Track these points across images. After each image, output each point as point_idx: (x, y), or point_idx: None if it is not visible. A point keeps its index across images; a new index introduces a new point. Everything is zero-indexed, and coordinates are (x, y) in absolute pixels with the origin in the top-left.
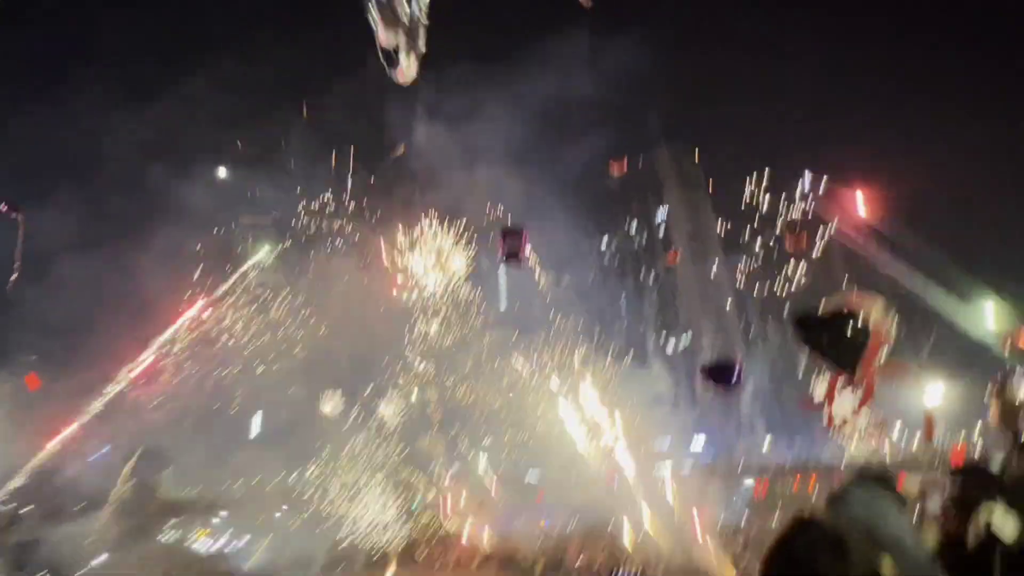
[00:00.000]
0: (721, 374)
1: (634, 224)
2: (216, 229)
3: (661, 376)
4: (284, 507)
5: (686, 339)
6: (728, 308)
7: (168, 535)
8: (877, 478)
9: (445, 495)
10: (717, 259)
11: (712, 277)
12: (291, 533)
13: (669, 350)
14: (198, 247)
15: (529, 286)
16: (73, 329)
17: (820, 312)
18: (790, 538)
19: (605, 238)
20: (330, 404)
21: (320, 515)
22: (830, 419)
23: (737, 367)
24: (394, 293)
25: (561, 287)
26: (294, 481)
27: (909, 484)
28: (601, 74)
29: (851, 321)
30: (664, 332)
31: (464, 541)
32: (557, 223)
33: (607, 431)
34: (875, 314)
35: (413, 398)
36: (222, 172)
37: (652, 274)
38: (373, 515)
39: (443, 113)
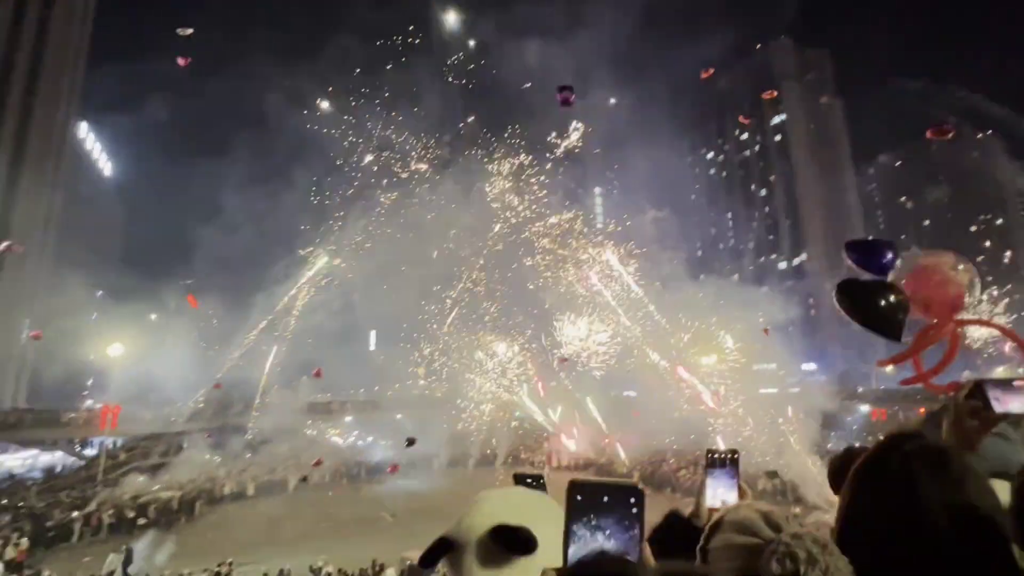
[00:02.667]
0: (871, 252)
1: (743, 134)
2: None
3: (773, 295)
4: (398, 416)
5: (803, 258)
6: (855, 225)
7: (310, 430)
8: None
9: (547, 406)
10: (846, 169)
11: (837, 191)
12: (409, 434)
13: (782, 267)
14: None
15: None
16: (236, 261)
17: (862, 281)
18: (885, 450)
19: (713, 147)
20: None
21: (435, 419)
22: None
23: (890, 248)
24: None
25: (662, 206)
26: (409, 388)
27: None
28: None
29: (890, 292)
30: (777, 249)
31: (564, 447)
32: (661, 131)
33: (710, 350)
34: (959, 272)
35: (519, 319)
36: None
37: (764, 187)
38: (482, 422)
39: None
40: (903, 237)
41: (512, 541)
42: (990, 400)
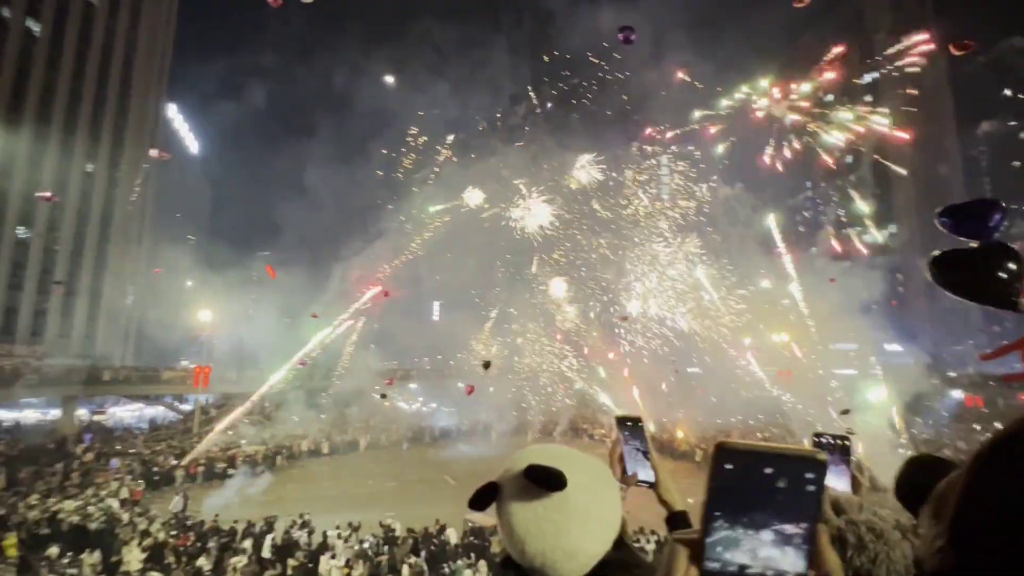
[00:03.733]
0: (970, 215)
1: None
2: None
3: (857, 271)
4: (460, 384)
5: (889, 233)
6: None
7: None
8: None
9: (611, 383)
10: (948, 133)
11: (935, 158)
12: (471, 402)
13: (868, 239)
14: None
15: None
16: (313, 234)
17: (965, 249)
18: (1015, 433)
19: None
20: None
21: (496, 390)
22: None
23: (997, 208)
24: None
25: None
26: (469, 359)
27: None
28: None
29: (1002, 254)
30: (863, 221)
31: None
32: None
33: (783, 328)
34: None
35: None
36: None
37: (850, 152)
38: (542, 393)
39: None
40: (1016, 207)
41: (542, 477)
42: None
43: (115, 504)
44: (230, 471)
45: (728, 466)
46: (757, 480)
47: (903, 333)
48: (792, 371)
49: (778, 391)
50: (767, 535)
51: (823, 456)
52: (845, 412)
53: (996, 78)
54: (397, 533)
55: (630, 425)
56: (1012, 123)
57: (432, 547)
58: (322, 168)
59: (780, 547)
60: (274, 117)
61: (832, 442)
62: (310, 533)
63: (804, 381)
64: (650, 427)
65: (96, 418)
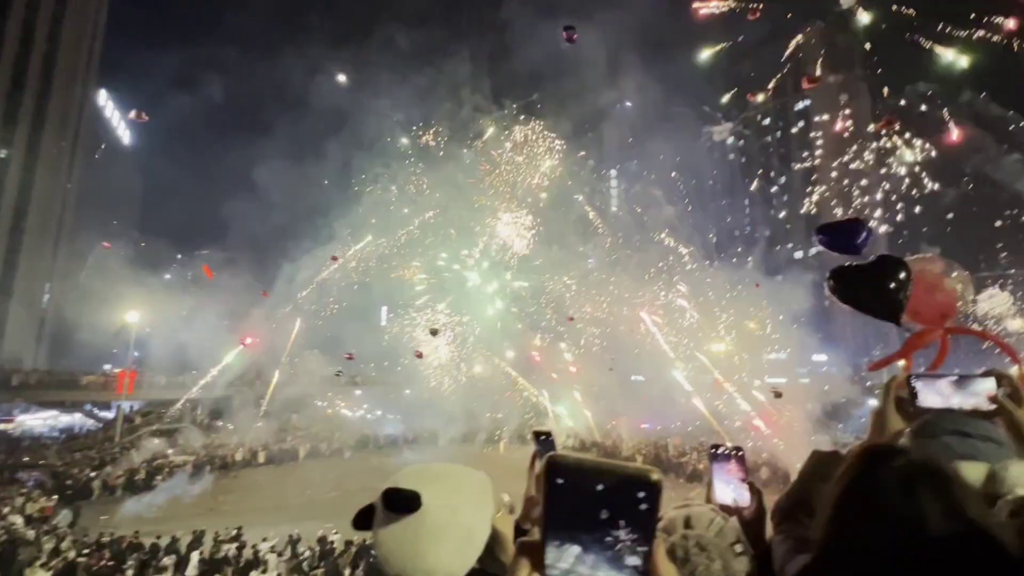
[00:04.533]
0: (841, 233)
1: (764, 117)
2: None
3: (787, 285)
4: (407, 391)
5: (819, 248)
6: (875, 214)
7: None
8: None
9: (553, 388)
10: (870, 159)
11: (860, 177)
12: (417, 410)
13: (798, 255)
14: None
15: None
16: (254, 233)
17: (860, 264)
18: (873, 467)
19: (729, 131)
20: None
21: (443, 398)
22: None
23: (863, 227)
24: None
25: (680, 190)
26: (418, 367)
27: None
28: None
29: (895, 271)
30: (794, 239)
31: (570, 430)
32: (680, 112)
33: (718, 339)
34: (950, 279)
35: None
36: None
37: (783, 174)
38: (489, 403)
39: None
40: (924, 230)
41: (395, 500)
42: (916, 394)
43: (19, 521)
44: (155, 483)
45: (560, 480)
46: (589, 496)
47: (828, 344)
48: (727, 379)
49: (713, 398)
50: (601, 549)
51: (656, 477)
52: (778, 395)
53: (912, 113)
54: (336, 546)
55: (543, 440)
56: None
57: (371, 559)
58: (267, 165)
59: (614, 562)
60: (218, 110)
61: (727, 451)
62: (241, 548)
63: (740, 388)
64: (595, 434)
65: (1, 427)
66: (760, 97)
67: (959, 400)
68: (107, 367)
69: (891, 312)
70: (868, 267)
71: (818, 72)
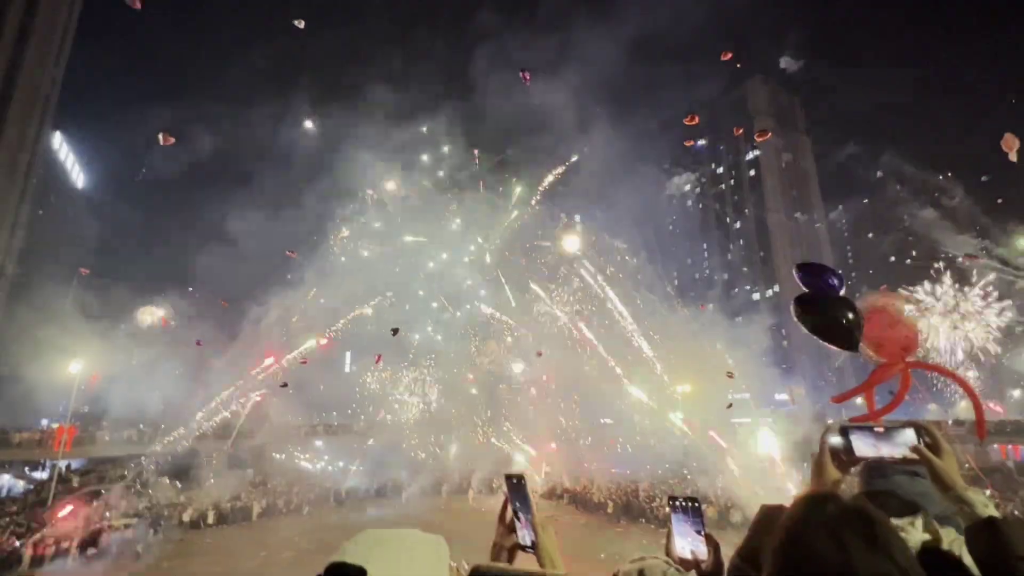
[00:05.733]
0: (820, 275)
1: (717, 167)
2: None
3: (747, 327)
4: (370, 441)
5: (776, 290)
6: (826, 259)
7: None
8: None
9: (525, 437)
10: (816, 206)
11: (808, 226)
12: (381, 461)
13: (755, 297)
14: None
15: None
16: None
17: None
18: (807, 515)
19: (687, 180)
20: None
21: (408, 449)
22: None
23: (839, 278)
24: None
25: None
26: (383, 418)
27: None
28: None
29: (845, 306)
30: (750, 281)
31: (542, 478)
32: (639, 160)
33: (685, 382)
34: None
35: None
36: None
37: (738, 220)
38: (456, 451)
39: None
40: (870, 272)
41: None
42: (851, 443)
43: None
44: (91, 550)
45: None
46: None
47: (790, 380)
48: (695, 421)
49: (684, 441)
50: None
51: None
52: (729, 406)
53: (851, 161)
54: None
55: (515, 483)
56: (865, 200)
57: None
58: (229, 213)
59: None
60: (177, 155)
61: (684, 503)
62: None
63: (704, 430)
64: (564, 480)
65: None
66: (703, 141)
67: (888, 450)
68: (45, 422)
69: (847, 342)
70: (825, 300)
71: (765, 125)
